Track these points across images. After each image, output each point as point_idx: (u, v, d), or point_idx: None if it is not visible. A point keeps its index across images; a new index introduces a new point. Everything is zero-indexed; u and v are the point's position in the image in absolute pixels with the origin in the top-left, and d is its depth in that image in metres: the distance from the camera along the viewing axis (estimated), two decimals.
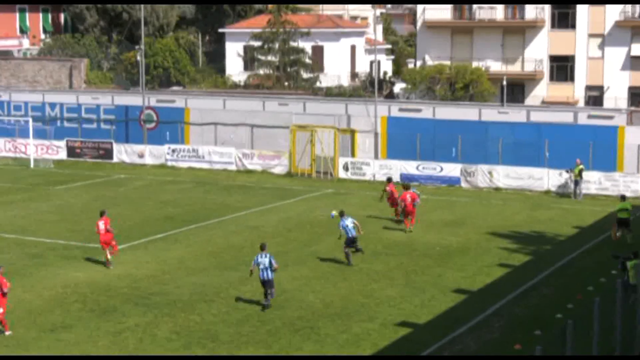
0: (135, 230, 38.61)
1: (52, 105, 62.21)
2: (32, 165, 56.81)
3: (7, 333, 25.84)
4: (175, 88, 78.52)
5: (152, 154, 57.39)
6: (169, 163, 56.80)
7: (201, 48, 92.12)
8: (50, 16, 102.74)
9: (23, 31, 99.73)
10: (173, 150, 56.90)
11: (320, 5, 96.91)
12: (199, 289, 30.04)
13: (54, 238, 37.08)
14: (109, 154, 58.31)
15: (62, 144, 59.29)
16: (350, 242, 33.08)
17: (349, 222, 33.33)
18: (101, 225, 32.98)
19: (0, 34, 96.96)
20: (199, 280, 31.12)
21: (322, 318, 27.14)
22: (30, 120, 58.49)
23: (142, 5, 62.45)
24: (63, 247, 35.58)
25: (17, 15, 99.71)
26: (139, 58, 63.92)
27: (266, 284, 27.89)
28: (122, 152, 58.11)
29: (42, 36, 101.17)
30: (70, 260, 33.67)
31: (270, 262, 27.78)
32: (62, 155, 59.07)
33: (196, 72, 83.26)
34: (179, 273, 32.08)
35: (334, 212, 34.84)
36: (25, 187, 49.49)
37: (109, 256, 32.83)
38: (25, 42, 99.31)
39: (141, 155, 57.64)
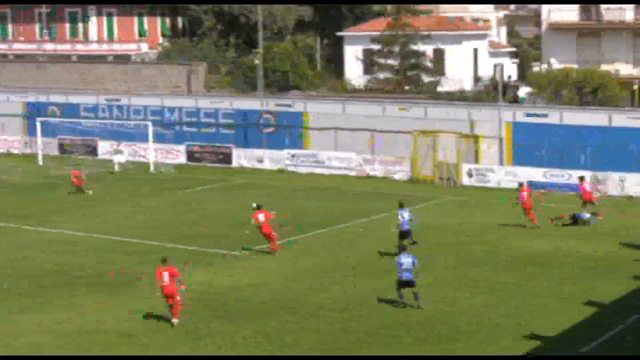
0: (253, 237, 38.82)
1: (171, 110, 63.25)
2: (151, 169, 57.83)
3: (173, 320, 26.90)
4: (293, 92, 78.98)
5: (271, 159, 57.81)
6: (289, 168, 57.12)
7: (319, 51, 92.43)
8: (168, 20, 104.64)
9: (142, 35, 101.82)
10: (293, 155, 57.21)
11: (440, 6, 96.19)
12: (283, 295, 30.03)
13: (168, 242, 37.48)
14: (227, 158, 58.96)
15: (182, 148, 60.21)
16: (404, 235, 34.20)
17: (406, 214, 34.25)
18: (261, 217, 34.37)
19: (120, 38, 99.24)
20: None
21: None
22: (150, 124, 59.56)
23: (260, 9, 62.97)
24: (178, 251, 35.87)
25: (136, 19, 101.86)
26: (257, 62, 64.59)
27: (408, 284, 28.23)
28: (242, 157, 58.69)
29: (161, 40, 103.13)
30: (195, 264, 33.98)
31: (413, 263, 28.24)
32: (182, 159, 59.98)
33: (314, 76, 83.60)
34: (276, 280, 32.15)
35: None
36: (147, 192, 50.32)
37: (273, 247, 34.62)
38: (144, 47, 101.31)
39: (260, 160, 58.11)
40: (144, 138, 60.24)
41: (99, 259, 35.07)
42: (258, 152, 58.52)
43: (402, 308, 28.30)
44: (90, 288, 31.00)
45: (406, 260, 28.33)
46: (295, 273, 32.93)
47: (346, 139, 56.81)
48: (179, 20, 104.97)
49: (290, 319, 27.66)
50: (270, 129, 59.66)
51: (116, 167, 54.29)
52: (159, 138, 60.33)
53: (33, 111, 66.21)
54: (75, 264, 34.32)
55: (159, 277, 27.43)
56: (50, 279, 32.21)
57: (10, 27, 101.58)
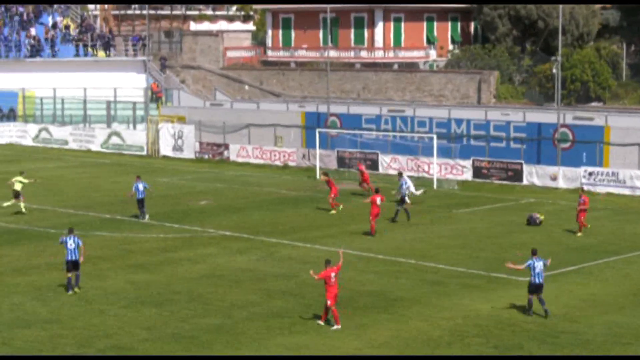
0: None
1: (458, 122, 63.53)
2: (435, 186, 58.36)
3: (334, 327, 28.94)
4: (594, 104, 77.32)
5: (565, 177, 56.89)
6: (585, 187, 55.95)
7: (625, 59, 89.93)
8: (459, 26, 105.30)
9: (430, 42, 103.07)
10: (590, 174, 56.03)
11: None
12: (614, 330, 29.25)
13: (455, 265, 37.80)
14: (518, 175, 58.53)
15: (468, 163, 60.35)
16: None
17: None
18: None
19: (407, 44, 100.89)
20: (614, 319, 30.32)
21: None
22: (435, 137, 60.10)
23: (561, 13, 62.10)
24: (464, 275, 36.18)
25: (425, 25, 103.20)
26: (554, 71, 63.91)
27: (539, 289, 30.60)
28: (533, 174, 58.10)
29: (450, 47, 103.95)
30: (472, 289, 34.13)
31: (544, 265, 30.92)
32: (467, 175, 60.12)
33: (618, 87, 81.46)
34: (591, 311, 31.48)
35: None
36: (427, 209, 50.92)
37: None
38: (432, 54, 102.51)
39: (554, 178, 57.32)
40: (427, 152, 60.87)
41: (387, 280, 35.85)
42: (552, 169, 57.74)
43: None
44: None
45: (538, 264, 30.67)
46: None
47: None
48: (472, 25, 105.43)
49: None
50: (567, 145, 58.75)
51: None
52: (443, 152, 60.77)
53: (312, 122, 68.53)
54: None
55: (327, 277, 29.70)
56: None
57: (293, 33, 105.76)
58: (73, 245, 33.90)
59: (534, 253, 31.32)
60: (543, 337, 28.77)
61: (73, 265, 33.89)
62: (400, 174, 50.20)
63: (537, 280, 30.79)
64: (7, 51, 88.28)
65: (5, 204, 49.73)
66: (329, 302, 29.71)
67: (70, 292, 33.70)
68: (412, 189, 49.73)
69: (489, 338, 28.68)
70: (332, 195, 49.68)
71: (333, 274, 29.90)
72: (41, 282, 35.09)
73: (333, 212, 49.43)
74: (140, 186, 47.41)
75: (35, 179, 52.08)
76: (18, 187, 49.70)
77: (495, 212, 50.05)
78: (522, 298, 32.72)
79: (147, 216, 47.66)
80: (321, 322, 29.96)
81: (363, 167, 56.19)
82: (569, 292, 33.79)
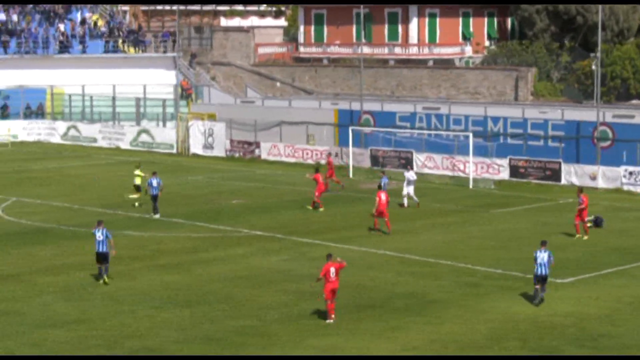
0: (585, 263, 38.31)
1: (495, 120, 63.38)
2: (470, 185, 58.27)
3: (328, 321, 30.04)
4: (635, 102, 76.93)
5: (605, 177, 56.64)
6: (625, 187, 55.74)
7: None
8: (495, 21, 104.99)
9: (466, 38, 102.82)
10: (630, 173, 55.76)
11: None
12: None
13: (492, 267, 37.73)
14: (556, 175, 58.32)
15: (505, 162, 60.20)
16: None
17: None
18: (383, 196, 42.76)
19: (442, 40, 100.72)
20: None
21: None
22: (471, 135, 59.98)
23: (600, 9, 61.81)
24: (501, 277, 36.11)
25: (460, 20, 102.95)
26: (594, 67, 63.50)
27: (542, 279, 31.96)
28: (571, 174, 57.88)
29: (487, 43, 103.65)
30: (509, 292, 34.05)
31: (548, 258, 32.15)
32: (504, 175, 59.97)
33: None
34: (632, 314, 31.35)
35: None
36: (463, 209, 50.88)
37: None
38: (468, 50, 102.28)
39: (593, 178, 57.08)
40: (463, 151, 60.78)
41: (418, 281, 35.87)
42: (591, 168, 57.50)
43: None
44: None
45: (541, 255, 32.09)
46: None
47: None
48: (508, 21, 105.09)
49: None
50: (607, 143, 58.50)
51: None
52: (479, 151, 60.64)
53: (345, 120, 68.56)
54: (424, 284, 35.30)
55: (326, 273, 30.24)
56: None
57: (325, 29, 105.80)
58: (101, 237, 34.75)
59: (542, 244, 32.66)
60: (582, 340, 28.67)
61: (102, 257, 34.85)
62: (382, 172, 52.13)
63: (539, 271, 32.12)
64: (35, 47, 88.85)
65: (131, 196, 51.72)
66: (324, 296, 30.40)
67: (101, 281, 34.74)
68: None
69: (526, 341, 28.61)
70: (317, 194, 50.24)
71: (333, 269, 30.40)
72: (71, 282, 35.35)
73: (309, 207, 50.22)
74: (154, 182, 47.86)
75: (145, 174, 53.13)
76: (138, 180, 51.57)
77: (533, 213, 49.92)
78: (560, 300, 32.66)
79: (158, 214, 48.14)
80: (331, 320, 30.29)
81: (332, 160, 58.54)
82: (609, 295, 33.64)
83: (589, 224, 44.37)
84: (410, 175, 51.41)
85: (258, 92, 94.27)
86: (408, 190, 50.95)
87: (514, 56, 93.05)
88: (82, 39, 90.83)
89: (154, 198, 47.99)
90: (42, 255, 39.93)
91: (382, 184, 47.06)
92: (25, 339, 28.77)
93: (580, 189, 45.08)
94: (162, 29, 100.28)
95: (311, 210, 50.02)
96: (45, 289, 34.44)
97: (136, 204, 51.13)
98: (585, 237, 42.76)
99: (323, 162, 66.28)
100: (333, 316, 30.41)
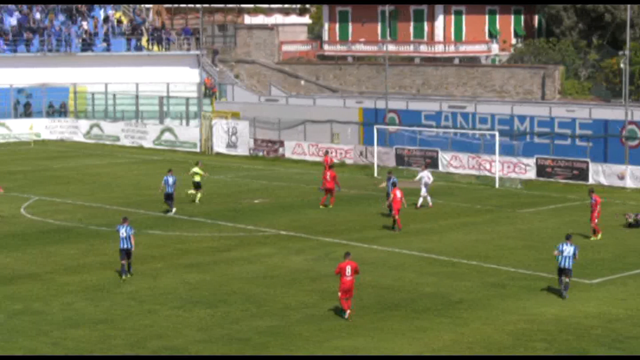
0: (612, 263, 38.08)
1: (521, 119, 63.13)
2: (497, 184, 58.06)
3: (348, 312, 30.39)
4: None
5: (633, 176, 56.30)
6: None
7: None
8: (522, 18, 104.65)
9: (492, 36, 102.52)
10: None
11: None
12: None
13: (518, 267, 37.55)
14: (583, 174, 58.02)
15: (531, 162, 59.95)
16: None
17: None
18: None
19: (468, 38, 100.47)
20: None
21: None
22: (497, 134, 59.76)
23: (629, 6, 61.43)
24: (528, 278, 35.92)
25: (487, 17, 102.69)
26: (622, 65, 63.18)
27: (565, 272, 32.74)
28: (599, 173, 57.57)
29: (513, 41, 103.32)
30: (536, 292, 33.88)
31: (573, 253, 32.86)
32: (531, 174, 59.73)
33: None
34: None
35: None
36: (489, 208, 50.69)
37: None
38: (494, 48, 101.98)
39: (621, 177, 56.76)
40: (489, 150, 60.55)
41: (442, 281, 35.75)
42: (619, 167, 57.17)
43: None
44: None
45: (567, 248, 32.78)
46: None
47: None
48: (535, 18, 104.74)
49: None
50: (635, 142, 58.17)
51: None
52: (505, 150, 60.41)
53: (370, 118, 68.43)
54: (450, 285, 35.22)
55: (343, 271, 30.46)
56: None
57: (350, 27, 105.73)
58: (125, 234, 35.50)
59: (567, 238, 33.44)
60: (610, 342, 28.49)
61: (125, 254, 35.62)
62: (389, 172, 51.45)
63: (563, 264, 32.91)
64: (58, 45, 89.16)
65: (189, 191, 52.02)
66: (339, 295, 30.72)
67: (124, 277, 35.31)
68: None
69: (553, 343, 28.45)
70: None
71: (349, 267, 30.59)
72: (92, 281, 35.42)
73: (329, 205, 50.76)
74: (170, 180, 48.05)
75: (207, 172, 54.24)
76: (197, 178, 51.81)
77: (560, 212, 49.69)
78: (587, 301, 32.48)
79: (173, 210, 48.60)
80: (347, 315, 30.60)
81: (329, 159, 58.12)
82: (638, 296, 33.42)
83: (631, 221, 44.74)
84: (425, 175, 50.88)
85: (282, 91, 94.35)
86: (423, 191, 50.49)
87: (541, 54, 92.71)
88: (106, 36, 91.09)
89: (169, 196, 48.26)
90: (63, 254, 40.03)
91: (395, 182, 47.28)
92: (46, 338, 28.83)
93: (591, 190, 45.31)
94: (186, 27, 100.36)
95: (330, 208, 50.01)
96: (67, 289, 34.52)
97: (196, 200, 51.44)
98: (593, 238, 42.70)
99: (349, 161, 66.22)
100: (349, 312, 30.68)
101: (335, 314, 31.16)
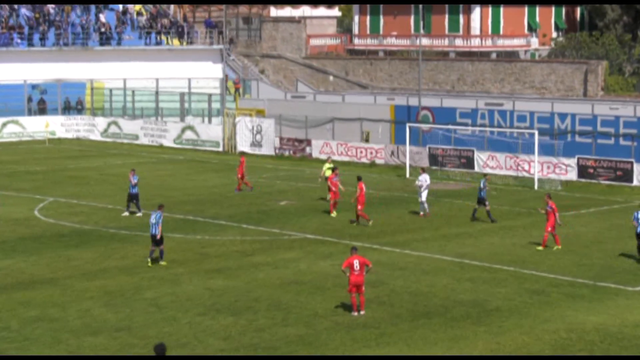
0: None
1: (562, 116, 63.05)
2: (536, 186, 58.04)
3: (361, 312, 31.56)
4: None
5: None
6: None
7: None
8: (564, 11, 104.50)
9: (532, 29, 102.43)
10: None
11: None
12: None
13: (558, 273, 37.58)
14: (627, 175, 57.95)
15: (573, 162, 59.92)
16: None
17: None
18: None
19: (506, 32, 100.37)
20: None
21: None
22: (536, 133, 59.73)
23: None
24: (568, 284, 35.95)
25: (526, 10, 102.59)
26: None
27: None
28: None
29: (554, 34, 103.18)
30: (576, 300, 33.91)
31: None
32: (572, 175, 59.69)
33: None
34: None
35: None
36: (527, 211, 50.65)
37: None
38: (534, 42, 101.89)
39: None
40: (528, 149, 60.55)
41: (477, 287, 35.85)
42: None
43: None
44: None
45: None
46: None
47: None
48: (577, 10, 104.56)
49: None
50: None
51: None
52: (545, 149, 60.38)
53: (402, 116, 68.50)
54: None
55: (350, 265, 31.36)
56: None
57: (381, 19, 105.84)
58: (154, 221, 38.17)
59: None
60: None
61: (153, 240, 38.35)
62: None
63: None
64: (74, 39, 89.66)
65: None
66: (348, 289, 31.73)
67: (149, 262, 38.30)
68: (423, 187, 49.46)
69: (593, 352, 28.50)
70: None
71: (357, 262, 31.45)
72: (111, 287, 35.68)
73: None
74: (134, 180, 48.83)
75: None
76: (328, 173, 52.40)
77: (602, 216, 49.64)
78: (632, 309, 32.47)
79: (128, 213, 49.47)
80: (355, 313, 31.68)
81: (244, 160, 58.39)
82: None
83: None
84: (424, 178, 49.86)
85: (309, 87, 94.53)
86: (424, 196, 49.26)
87: (583, 48, 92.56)
88: (124, 30, 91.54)
89: (135, 196, 49.06)
90: (80, 258, 40.32)
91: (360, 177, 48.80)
92: (62, 346, 29.10)
93: (548, 195, 43.32)
94: (208, 19, 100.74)
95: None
96: (84, 294, 34.79)
97: (327, 197, 51.59)
98: (557, 247, 41.65)
99: (380, 161, 66.26)
100: (362, 312, 31.63)
101: (365, 322, 31.31)
